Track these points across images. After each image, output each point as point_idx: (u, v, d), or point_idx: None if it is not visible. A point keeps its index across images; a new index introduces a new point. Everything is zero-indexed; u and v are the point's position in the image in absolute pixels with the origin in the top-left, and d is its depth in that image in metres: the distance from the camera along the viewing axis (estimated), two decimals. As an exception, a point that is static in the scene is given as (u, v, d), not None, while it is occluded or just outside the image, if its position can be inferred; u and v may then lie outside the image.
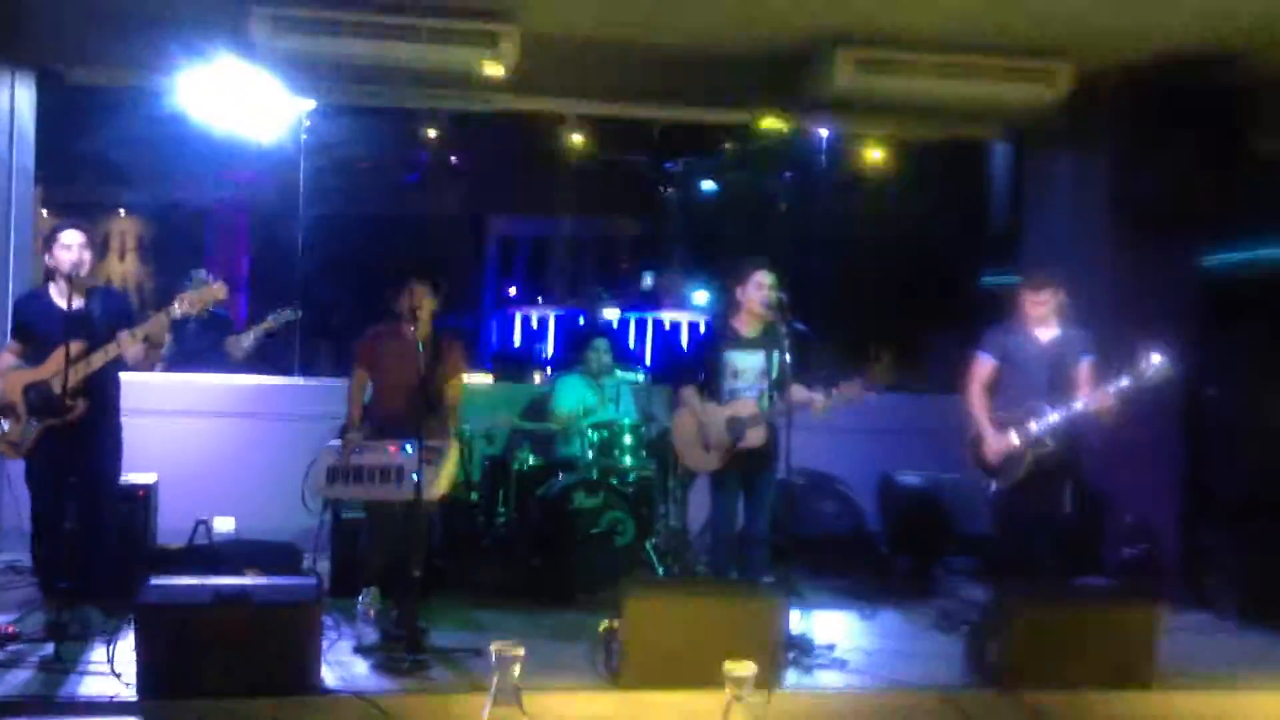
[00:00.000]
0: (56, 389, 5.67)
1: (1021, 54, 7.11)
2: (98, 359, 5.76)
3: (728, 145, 9.95)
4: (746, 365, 6.34)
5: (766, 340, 6.31)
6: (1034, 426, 6.22)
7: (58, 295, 5.92)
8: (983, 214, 10.03)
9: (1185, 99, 7.26)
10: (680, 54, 7.45)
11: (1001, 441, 6.31)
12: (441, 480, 6.01)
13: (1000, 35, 6.95)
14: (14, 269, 7.53)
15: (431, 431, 5.96)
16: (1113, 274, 7.75)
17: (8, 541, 7.34)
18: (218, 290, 5.99)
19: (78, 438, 5.78)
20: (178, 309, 5.84)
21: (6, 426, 5.85)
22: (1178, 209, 7.43)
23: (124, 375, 6.21)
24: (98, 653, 5.31)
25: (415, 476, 5.74)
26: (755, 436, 6.24)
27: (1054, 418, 6.19)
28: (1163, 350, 5.99)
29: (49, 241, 5.97)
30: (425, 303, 6.18)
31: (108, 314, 5.93)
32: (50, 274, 6.00)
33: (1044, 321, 6.44)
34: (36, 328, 5.95)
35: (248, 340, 8.68)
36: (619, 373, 7.97)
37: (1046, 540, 6.35)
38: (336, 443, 6.25)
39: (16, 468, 6.16)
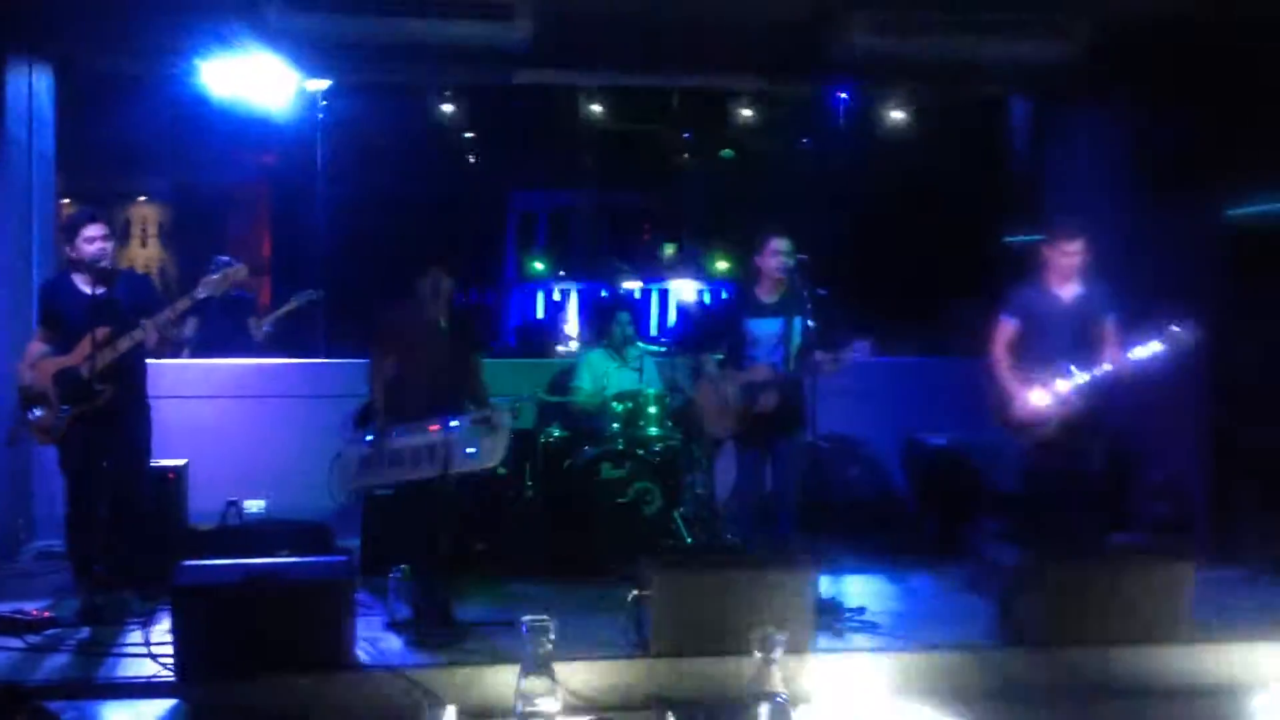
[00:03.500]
0: (85, 374, 5.72)
1: (1039, 9, 7.03)
2: (124, 344, 5.80)
3: (745, 112, 9.92)
4: (764, 332, 6.35)
5: (785, 306, 6.31)
6: (1060, 387, 6.19)
7: (82, 282, 5.96)
8: (1003, 172, 9.95)
9: (1207, 49, 7.17)
10: (696, 21, 7.40)
11: (1029, 397, 6.28)
12: (500, 447, 6.10)
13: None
14: (38, 257, 7.58)
15: (467, 404, 6.09)
16: (1135, 229, 7.69)
17: (42, 528, 7.42)
18: (239, 271, 6.02)
19: (108, 423, 5.83)
20: (201, 292, 5.90)
21: (40, 413, 5.91)
22: (1200, 162, 7.36)
23: (154, 360, 6.25)
24: (134, 635, 5.37)
25: (471, 449, 5.87)
26: (770, 401, 6.25)
27: (1081, 378, 6.15)
28: (1186, 322, 5.95)
29: (70, 232, 5.97)
30: (445, 284, 6.24)
31: (133, 299, 5.96)
32: (75, 263, 6.03)
33: (1069, 278, 6.39)
34: (63, 315, 5.99)
35: (269, 323, 8.74)
36: (642, 344, 7.98)
37: (1076, 498, 6.32)
38: (356, 434, 6.30)
39: (50, 457, 6.22)
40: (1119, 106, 8.00)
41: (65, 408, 5.84)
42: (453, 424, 5.83)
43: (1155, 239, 7.59)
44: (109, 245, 5.96)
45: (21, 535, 7.39)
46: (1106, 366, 6.13)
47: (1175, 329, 5.97)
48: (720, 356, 6.53)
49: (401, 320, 6.40)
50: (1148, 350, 6.00)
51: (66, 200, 11.30)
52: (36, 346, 6.06)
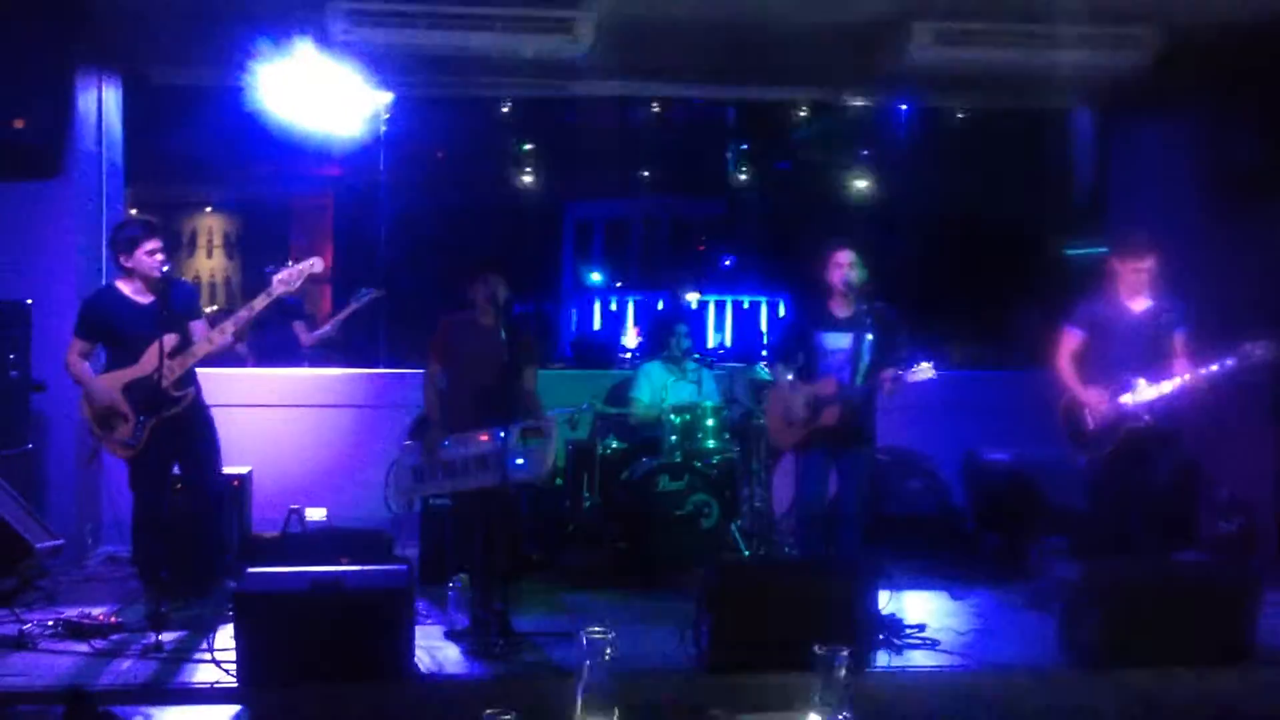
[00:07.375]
0: (160, 382, 5.72)
1: (1106, 19, 6.94)
2: (201, 349, 5.85)
3: (803, 123, 9.90)
4: (835, 346, 6.30)
5: (856, 321, 6.25)
6: (1128, 402, 6.09)
7: (132, 292, 6.00)
8: (1067, 184, 9.85)
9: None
10: (754, 32, 7.39)
11: (1099, 403, 6.18)
12: (549, 457, 6.13)
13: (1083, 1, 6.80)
14: (107, 266, 7.70)
15: (520, 415, 6.08)
16: (1204, 242, 7.57)
17: (109, 533, 7.54)
18: (314, 263, 6.01)
19: (181, 430, 5.90)
20: (278, 288, 5.91)
21: (117, 429, 5.94)
22: (1271, 171, 7.22)
23: (219, 370, 6.32)
24: (198, 641, 5.44)
25: (520, 460, 5.90)
26: (831, 415, 6.20)
27: (1149, 394, 6.05)
28: (1262, 340, 5.83)
29: (130, 245, 5.95)
30: (501, 292, 6.24)
31: (183, 305, 6.03)
32: (129, 273, 6.03)
33: (1138, 292, 6.30)
34: (117, 326, 5.99)
35: (333, 326, 8.82)
36: (700, 356, 7.98)
37: (1140, 515, 6.23)
38: (412, 443, 6.33)
39: (116, 463, 6.30)
40: (1187, 116, 7.88)
41: (142, 418, 5.88)
42: (502, 434, 5.83)
43: (1224, 251, 7.47)
44: (165, 256, 6.02)
45: (89, 540, 7.51)
46: (1176, 381, 6.02)
47: (1251, 346, 5.84)
48: (791, 372, 6.50)
49: (459, 329, 6.43)
50: (1229, 361, 5.88)
51: (135, 210, 11.51)
52: (81, 363, 5.98)
